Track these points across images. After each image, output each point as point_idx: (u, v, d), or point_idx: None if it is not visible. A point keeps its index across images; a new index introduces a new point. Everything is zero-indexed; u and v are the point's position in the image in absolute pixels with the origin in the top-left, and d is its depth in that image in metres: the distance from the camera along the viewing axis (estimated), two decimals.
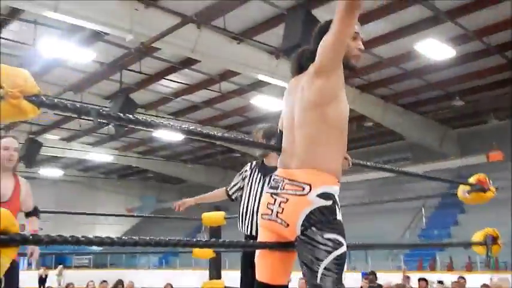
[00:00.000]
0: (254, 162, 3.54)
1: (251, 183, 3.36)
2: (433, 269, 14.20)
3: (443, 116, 15.91)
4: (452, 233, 15.29)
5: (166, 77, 12.77)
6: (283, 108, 2.21)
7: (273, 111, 14.79)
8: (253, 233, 3.17)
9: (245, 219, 3.27)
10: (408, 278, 9.67)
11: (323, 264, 1.87)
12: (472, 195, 3.44)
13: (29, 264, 25.62)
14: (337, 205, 1.97)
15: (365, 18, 9.63)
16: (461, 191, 3.52)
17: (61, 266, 17.58)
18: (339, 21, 1.85)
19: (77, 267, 21.45)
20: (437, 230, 16.04)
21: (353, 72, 2.14)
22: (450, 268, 13.65)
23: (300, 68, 2.15)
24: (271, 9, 9.51)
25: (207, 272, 5.36)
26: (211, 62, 11.26)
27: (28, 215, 3.24)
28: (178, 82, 13.27)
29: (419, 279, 9.05)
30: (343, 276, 1.91)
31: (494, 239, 3.35)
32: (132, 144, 20.05)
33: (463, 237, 12.05)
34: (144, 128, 2.02)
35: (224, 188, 3.67)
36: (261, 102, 13.88)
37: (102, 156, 20.61)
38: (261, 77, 11.67)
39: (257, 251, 2.18)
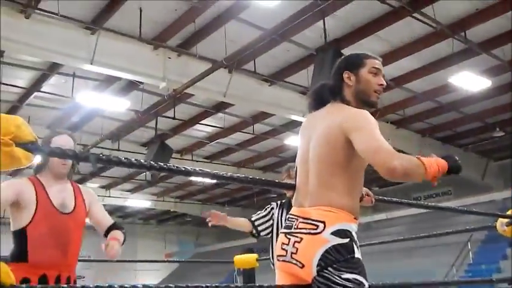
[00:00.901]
0: (279, 202, 3.48)
1: (280, 223, 3.30)
2: None
3: (483, 148, 15.48)
4: (502, 267, 14.56)
5: (200, 122, 12.95)
6: (299, 144, 2.16)
7: None
8: None
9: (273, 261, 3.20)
10: None
11: None
12: (510, 228, 3.28)
13: None
14: (355, 243, 1.89)
15: (397, 54, 9.61)
16: (500, 223, 3.39)
17: None
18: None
19: None
20: (485, 265, 15.33)
21: (373, 108, 2.08)
22: None
23: (320, 103, 2.11)
24: (300, 50, 9.61)
25: None
26: (244, 105, 11.39)
27: (110, 229, 2.67)
28: (212, 126, 13.44)
29: None
30: None
31: None
32: (169, 189, 20.24)
33: None
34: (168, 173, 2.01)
35: (247, 219, 3.62)
36: (295, 141, 13.86)
37: (140, 202, 20.85)
38: (294, 117, 11.70)
39: None
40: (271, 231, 3.40)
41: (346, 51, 8.65)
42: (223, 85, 9.98)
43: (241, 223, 3.71)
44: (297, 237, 1.94)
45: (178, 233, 27.94)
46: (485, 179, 16.31)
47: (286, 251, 1.96)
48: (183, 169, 1.90)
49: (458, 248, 16.54)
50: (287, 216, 2.06)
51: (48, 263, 2.31)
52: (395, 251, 15.18)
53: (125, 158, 1.70)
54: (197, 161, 15.46)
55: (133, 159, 1.72)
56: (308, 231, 1.90)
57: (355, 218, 1.94)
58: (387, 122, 13.07)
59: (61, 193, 2.46)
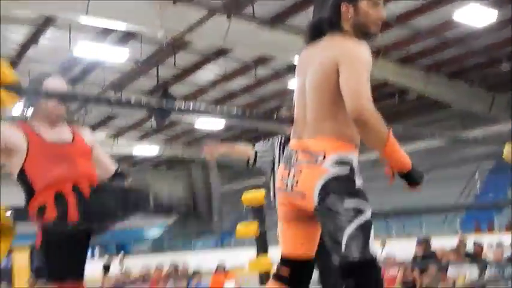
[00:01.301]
0: (280, 138, 3.36)
1: (279, 160, 3.20)
2: (491, 230, 13.75)
3: (490, 81, 15.23)
4: (510, 195, 14.69)
5: (201, 68, 12.80)
6: (296, 79, 2.12)
7: None
8: None
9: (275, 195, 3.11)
10: (463, 243, 9.37)
11: (346, 234, 1.77)
12: None
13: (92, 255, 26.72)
14: (356, 172, 1.88)
15: None
16: (506, 150, 3.39)
17: (122, 253, 18.13)
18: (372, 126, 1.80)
19: (136, 253, 22.20)
20: (493, 194, 15.51)
21: (374, 38, 2.02)
22: (509, 228, 13.13)
23: (317, 35, 2.03)
24: None
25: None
26: (244, 50, 11.20)
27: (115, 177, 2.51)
28: (214, 72, 13.28)
29: (475, 244, 8.73)
30: (370, 243, 1.78)
31: None
32: (176, 136, 20.33)
33: None
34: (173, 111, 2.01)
35: (250, 147, 3.45)
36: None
37: (147, 148, 21.01)
38: (296, 60, 11.50)
39: (279, 225, 2.11)
40: (272, 168, 3.29)
41: None
42: (222, 31, 9.76)
43: (242, 151, 3.52)
44: (297, 169, 1.94)
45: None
46: (492, 112, 16.17)
47: (287, 183, 1.97)
48: (188, 109, 1.90)
49: (466, 180, 16.74)
50: (287, 150, 2.05)
51: (59, 180, 2.16)
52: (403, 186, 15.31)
53: (132, 101, 1.70)
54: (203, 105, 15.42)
55: (139, 101, 1.71)
56: (308, 162, 1.90)
57: (355, 147, 1.92)
58: (391, 61, 12.83)
59: (56, 132, 2.31)
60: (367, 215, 1.81)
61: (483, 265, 7.10)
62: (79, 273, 2.15)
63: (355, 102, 1.79)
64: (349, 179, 1.84)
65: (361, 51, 1.88)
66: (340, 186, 1.83)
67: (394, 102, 15.25)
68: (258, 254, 5.43)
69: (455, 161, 17.04)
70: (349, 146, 1.89)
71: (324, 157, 1.85)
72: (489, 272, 6.62)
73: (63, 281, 2.06)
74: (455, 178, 16.49)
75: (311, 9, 8.33)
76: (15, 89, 1.43)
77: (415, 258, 8.68)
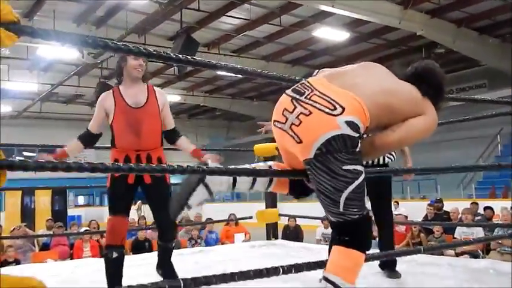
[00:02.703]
0: None
1: None
2: (506, 196, 13.64)
3: None
4: None
5: (226, 14, 12.60)
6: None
7: (338, 42, 14.35)
8: None
9: None
10: (476, 204, 9.39)
11: (344, 195, 1.77)
12: None
13: None
14: (360, 141, 1.83)
15: None
16: None
17: (140, 201, 18.60)
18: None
19: None
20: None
21: None
22: (506, 196, 13.05)
23: (401, 72, 2.11)
24: None
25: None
26: None
27: (170, 134, 3.21)
28: (238, 18, 13.08)
29: (485, 208, 8.75)
30: (364, 202, 1.83)
31: None
32: (198, 83, 20.31)
33: None
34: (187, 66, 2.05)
35: None
36: (325, 33, 13.45)
37: (169, 96, 21.09)
38: (323, 7, 11.24)
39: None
40: None
41: None
42: None
43: None
44: (305, 108, 1.78)
45: (209, 126, 28.51)
46: None
47: (287, 118, 1.83)
48: (208, 62, 1.94)
49: (487, 142, 16.45)
50: (301, 82, 1.93)
51: (127, 147, 2.94)
52: (422, 144, 15.21)
53: (154, 50, 1.75)
54: (224, 55, 15.27)
55: (162, 52, 1.77)
56: (322, 108, 1.76)
57: (368, 124, 1.87)
58: (421, 12, 12.44)
59: (135, 93, 3.00)
60: (362, 175, 1.80)
61: (491, 227, 7.11)
62: (126, 211, 2.96)
63: (397, 144, 1.99)
64: (353, 144, 1.77)
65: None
66: (344, 148, 1.75)
67: (420, 56, 14.89)
68: (266, 206, 5.54)
69: (477, 122, 16.73)
70: (366, 116, 1.82)
71: (342, 112, 1.74)
72: (496, 234, 6.63)
73: (116, 214, 2.88)
74: (476, 140, 16.23)
75: None
76: (15, 28, 1.41)
77: (425, 218, 8.73)
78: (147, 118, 2.97)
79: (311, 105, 1.78)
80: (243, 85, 20.81)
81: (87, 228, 9.20)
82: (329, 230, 8.59)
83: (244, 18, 13.12)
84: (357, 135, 1.77)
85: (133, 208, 17.48)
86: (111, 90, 3.08)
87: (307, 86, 1.86)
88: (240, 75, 14.66)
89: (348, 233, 1.79)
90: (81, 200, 26.98)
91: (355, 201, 1.78)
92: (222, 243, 8.39)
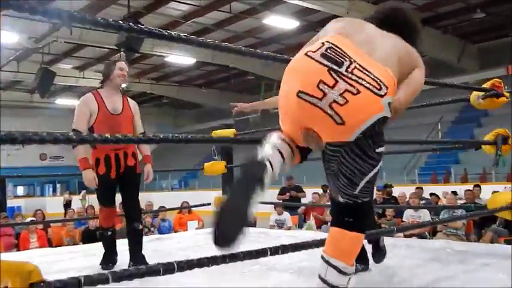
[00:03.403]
0: None
1: None
2: (447, 181, 14.30)
3: (463, 30, 15.35)
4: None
5: None
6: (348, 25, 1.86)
7: (287, 30, 14.42)
8: None
9: None
10: (421, 189, 9.81)
11: (367, 178, 1.69)
12: (485, 101, 3.33)
13: (54, 190, 26.63)
14: None
15: None
16: (475, 96, 3.42)
17: (84, 191, 18.12)
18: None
19: None
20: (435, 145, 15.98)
21: None
22: (465, 180, 13.71)
23: (385, 25, 1.91)
24: None
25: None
26: None
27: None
28: (188, 4, 12.88)
29: (431, 194, 9.13)
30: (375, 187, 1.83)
31: (505, 139, 3.30)
32: (145, 71, 19.91)
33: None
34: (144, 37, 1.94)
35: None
36: (274, 21, 13.49)
37: None
38: None
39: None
40: None
41: None
42: None
43: (271, 102, 3.31)
44: (351, 85, 1.55)
45: (155, 114, 28.04)
46: (462, 61, 16.40)
47: (325, 94, 1.55)
48: (166, 34, 1.84)
49: (429, 129, 17.11)
50: (328, 44, 1.66)
51: (107, 147, 3.28)
52: None
53: (101, 19, 1.65)
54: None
55: (110, 20, 1.67)
56: (370, 87, 1.57)
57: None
58: (368, 2, 12.71)
59: (115, 101, 3.40)
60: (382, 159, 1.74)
61: (438, 210, 7.47)
62: (114, 202, 3.48)
63: (405, 103, 1.77)
64: (385, 124, 1.66)
65: None
66: (381, 130, 1.65)
67: None
68: (224, 192, 5.53)
69: (417, 111, 17.32)
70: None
71: (386, 92, 1.59)
72: (442, 216, 6.95)
73: (106, 206, 3.43)
74: (418, 128, 16.83)
75: None
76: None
77: (375, 203, 9.01)
78: (124, 123, 3.39)
79: (357, 81, 1.56)
80: (191, 72, 20.58)
81: (33, 218, 8.86)
82: (282, 217, 8.70)
83: (193, 4, 12.94)
84: (390, 113, 1.64)
85: (78, 198, 17.09)
86: (92, 94, 3.43)
87: (342, 54, 1.61)
88: (189, 63, 14.46)
89: (352, 215, 1.74)
90: (20, 190, 25.98)
91: (371, 184, 1.74)
92: (175, 231, 8.30)
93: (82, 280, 1.30)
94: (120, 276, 1.42)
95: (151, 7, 12.82)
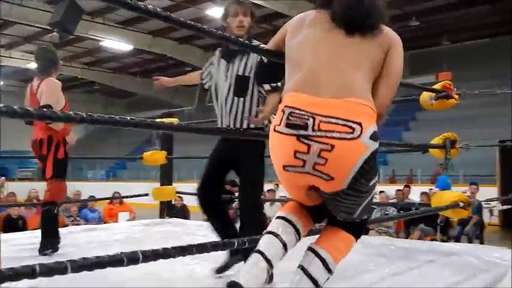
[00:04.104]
0: (219, 50, 2.96)
1: (218, 70, 2.85)
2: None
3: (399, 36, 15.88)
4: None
5: None
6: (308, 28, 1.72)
7: None
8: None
9: (217, 114, 2.84)
10: None
11: (362, 206, 1.68)
12: (437, 102, 3.38)
13: None
14: None
15: None
16: (427, 97, 3.43)
17: (3, 178, 17.08)
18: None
19: (21, 179, 21.02)
20: (384, 147, 16.50)
21: None
22: (392, 181, 14.22)
23: (358, 23, 1.66)
24: None
25: (156, 183, 5.27)
26: None
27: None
28: None
29: None
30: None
31: (453, 143, 3.37)
32: (78, 54, 19.06)
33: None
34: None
35: (199, 72, 3.13)
36: (217, 13, 13.31)
37: None
38: None
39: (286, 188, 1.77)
40: (211, 90, 2.91)
41: None
42: None
43: (191, 76, 3.26)
44: (323, 143, 1.50)
45: (85, 102, 26.99)
46: None
47: (305, 161, 1.54)
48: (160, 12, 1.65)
49: None
50: (288, 110, 1.58)
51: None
52: None
53: None
54: (110, 25, 14.48)
55: None
56: (341, 135, 1.49)
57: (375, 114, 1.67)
58: (310, 1, 12.85)
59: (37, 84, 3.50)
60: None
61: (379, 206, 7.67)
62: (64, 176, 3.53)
63: (392, 94, 1.73)
64: (376, 154, 1.58)
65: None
66: (373, 164, 1.57)
67: None
68: (162, 183, 5.33)
69: None
70: (375, 113, 1.61)
71: (362, 129, 1.50)
72: (375, 215, 7.13)
73: (64, 179, 3.49)
74: None
75: None
76: None
77: None
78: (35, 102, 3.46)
79: (326, 136, 1.50)
80: (127, 59, 19.95)
81: None
82: None
83: None
84: (378, 142, 1.57)
85: None
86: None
87: (303, 113, 1.54)
88: (125, 49, 13.97)
89: (350, 226, 1.75)
90: None
91: (368, 208, 1.71)
92: (105, 222, 7.97)
93: (37, 269, 1.13)
94: (80, 265, 1.26)
95: None
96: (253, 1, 11.92)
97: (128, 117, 1.54)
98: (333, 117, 1.51)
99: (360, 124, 1.50)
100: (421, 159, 11.86)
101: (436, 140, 3.42)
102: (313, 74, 1.61)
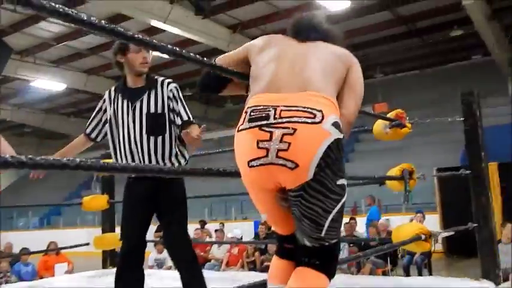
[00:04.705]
0: (113, 88, 2.82)
1: (117, 111, 2.66)
2: None
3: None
4: (347, 170, 15.85)
5: (47, 19, 11.46)
6: (273, 47, 1.80)
7: (167, 60, 14.09)
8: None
9: (122, 158, 2.63)
10: None
11: (331, 216, 1.55)
12: (391, 131, 3.31)
13: None
14: None
15: None
16: (382, 125, 3.34)
17: None
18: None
19: None
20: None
21: None
22: (355, 212, 14.25)
23: (304, 35, 1.84)
24: None
25: (95, 229, 4.89)
26: (99, 4, 10.28)
27: None
28: (61, 25, 12.00)
29: None
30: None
31: (410, 174, 3.31)
32: (7, 95, 18.14)
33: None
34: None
35: (81, 135, 2.89)
36: (153, 52, 13.09)
37: None
38: (154, 23, 10.93)
39: (262, 208, 1.70)
40: (110, 126, 2.70)
41: None
42: None
43: (76, 143, 2.92)
44: (286, 128, 1.48)
45: (16, 145, 25.44)
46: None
47: (268, 149, 1.49)
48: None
49: None
50: (250, 108, 1.58)
51: None
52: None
53: None
54: (41, 65, 13.90)
55: None
56: (303, 119, 1.49)
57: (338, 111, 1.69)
58: (248, 37, 12.93)
59: None
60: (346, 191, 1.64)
61: None
62: None
63: (357, 107, 1.76)
64: (342, 147, 1.56)
65: None
66: (338, 156, 1.53)
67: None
68: (104, 230, 4.96)
69: None
70: (338, 111, 1.63)
71: (323, 116, 1.51)
72: None
73: None
74: None
75: None
76: None
77: (257, 237, 8.93)
78: None
79: (289, 121, 1.49)
80: (60, 100, 19.18)
81: None
82: (162, 255, 8.14)
83: (67, 26, 12.08)
84: (342, 134, 1.55)
85: None
86: None
87: (264, 108, 1.55)
88: (58, 89, 13.44)
89: (320, 258, 1.60)
90: None
91: (337, 223, 1.60)
92: (41, 277, 7.34)
93: None
94: None
95: (19, 26, 11.73)
96: (192, 37, 11.85)
97: (64, 159, 1.31)
98: (294, 106, 1.52)
99: (320, 111, 1.51)
100: (364, 191, 12.07)
101: (394, 172, 3.34)
102: (276, 79, 1.64)
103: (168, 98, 2.61)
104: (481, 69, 15.29)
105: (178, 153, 2.65)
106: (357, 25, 12.62)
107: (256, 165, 1.53)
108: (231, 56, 2.00)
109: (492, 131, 13.11)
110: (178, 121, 2.57)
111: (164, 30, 11.63)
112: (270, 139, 1.49)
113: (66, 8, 1.33)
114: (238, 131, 1.60)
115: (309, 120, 1.49)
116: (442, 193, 10.54)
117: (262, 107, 1.56)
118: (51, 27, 12.10)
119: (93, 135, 2.84)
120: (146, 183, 2.57)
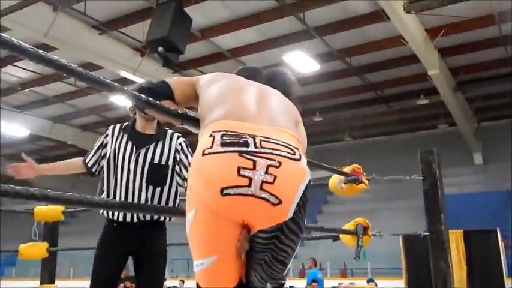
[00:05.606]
0: (118, 126, 2.71)
1: (118, 151, 2.56)
2: (302, 276, 14.38)
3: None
4: (319, 220, 15.73)
5: (14, 64, 11.27)
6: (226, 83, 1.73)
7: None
8: (127, 218, 2.48)
9: (115, 199, 2.52)
10: None
11: (293, 255, 1.47)
12: (346, 186, 3.12)
13: None
14: None
15: (240, 24, 9.48)
16: (337, 180, 3.15)
17: None
18: None
19: None
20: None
21: None
22: (302, 275, 13.91)
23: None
24: (139, 1, 8.86)
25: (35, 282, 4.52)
26: (69, 52, 10.15)
27: None
28: (28, 70, 11.80)
29: None
30: None
31: (365, 229, 3.14)
32: None
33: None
34: None
35: (81, 158, 2.75)
36: (121, 101, 12.95)
37: None
38: (124, 74, 10.83)
39: (211, 262, 1.41)
40: (108, 164, 2.59)
41: (190, 10, 8.18)
42: (45, 24, 8.70)
43: (69, 164, 2.81)
44: (270, 159, 1.36)
45: None
46: None
47: (251, 179, 1.32)
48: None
49: None
50: (219, 133, 1.42)
51: None
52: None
53: None
54: (5, 109, 13.57)
55: None
56: (285, 154, 1.39)
57: None
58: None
59: None
60: None
61: None
62: None
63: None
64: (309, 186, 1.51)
65: None
66: (307, 200, 1.45)
67: None
68: (42, 282, 4.60)
69: None
70: None
71: (300, 155, 1.44)
72: None
73: None
74: None
75: (148, 22, 7.84)
76: None
77: None
78: None
79: (272, 153, 1.38)
80: (24, 146, 18.64)
81: None
82: None
83: (34, 71, 11.90)
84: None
85: None
86: None
87: (238, 134, 1.42)
88: (22, 135, 12.96)
89: None
90: None
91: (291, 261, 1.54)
92: None
93: None
94: None
95: None
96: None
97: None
98: (273, 138, 1.43)
99: (297, 149, 1.45)
100: (330, 252, 11.84)
101: (348, 226, 3.18)
102: (239, 108, 1.54)
103: (176, 150, 2.59)
104: (448, 137, 15.58)
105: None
106: (326, 88, 12.81)
107: (233, 194, 1.33)
108: (182, 79, 1.92)
109: (457, 199, 13.26)
110: (185, 173, 2.52)
111: (134, 81, 11.54)
112: (254, 168, 1.34)
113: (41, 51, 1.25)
114: (205, 154, 1.40)
115: (291, 156, 1.40)
116: (408, 258, 10.40)
117: (235, 133, 1.42)
118: (18, 72, 11.88)
119: (93, 169, 2.70)
120: (130, 229, 2.49)
